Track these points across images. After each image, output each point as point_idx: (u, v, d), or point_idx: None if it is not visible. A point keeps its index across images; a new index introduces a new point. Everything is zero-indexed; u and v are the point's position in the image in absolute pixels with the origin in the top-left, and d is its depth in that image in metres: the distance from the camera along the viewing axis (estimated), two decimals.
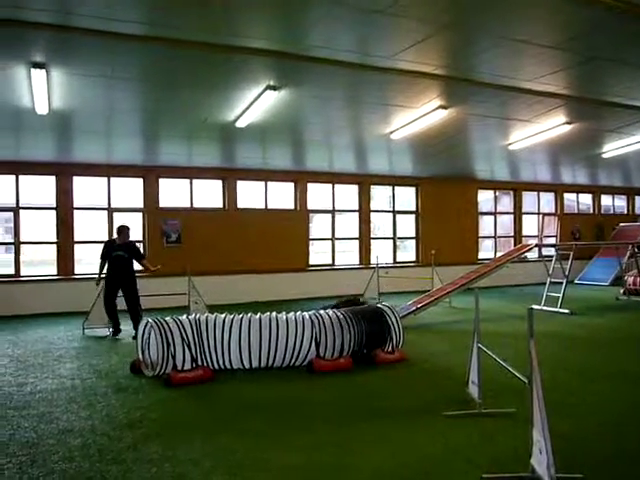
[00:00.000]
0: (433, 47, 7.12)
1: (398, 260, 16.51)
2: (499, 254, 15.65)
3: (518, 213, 18.59)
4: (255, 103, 8.79)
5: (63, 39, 6.58)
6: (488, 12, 6.15)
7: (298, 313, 7.29)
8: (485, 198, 18.31)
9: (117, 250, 9.46)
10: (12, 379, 6.66)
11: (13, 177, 12.34)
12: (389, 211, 16.61)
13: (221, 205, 14.16)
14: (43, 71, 7.17)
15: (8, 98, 8.27)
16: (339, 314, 7.29)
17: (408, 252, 16.95)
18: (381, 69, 7.76)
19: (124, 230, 9.63)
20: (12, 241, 12.60)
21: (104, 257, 9.54)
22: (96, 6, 5.90)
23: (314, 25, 6.58)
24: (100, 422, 5.07)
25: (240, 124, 9.81)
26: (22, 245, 12.57)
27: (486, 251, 18.08)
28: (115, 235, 9.77)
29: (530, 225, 18.79)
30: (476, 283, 10.94)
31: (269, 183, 14.66)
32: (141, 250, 9.71)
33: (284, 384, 6.38)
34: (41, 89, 7.70)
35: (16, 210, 12.41)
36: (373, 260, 15.09)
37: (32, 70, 7.14)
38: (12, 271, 12.48)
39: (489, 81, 8.37)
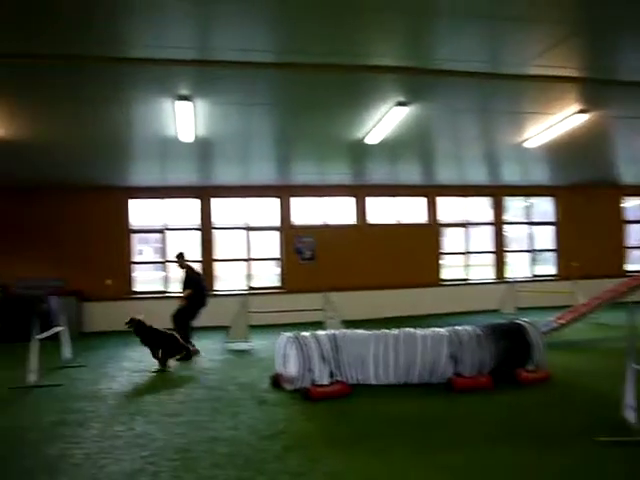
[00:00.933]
0: (570, 49, 6.78)
1: (536, 274, 15.76)
2: None
3: None
4: (384, 119, 8.86)
5: (206, 72, 7.07)
6: (629, 5, 5.75)
7: (435, 329, 7.18)
8: (633, 205, 16.97)
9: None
10: (164, 388, 7.18)
11: (160, 201, 13.38)
12: (525, 223, 15.94)
13: (353, 221, 14.35)
14: (188, 103, 7.72)
15: (156, 129, 8.99)
16: (478, 330, 7.09)
17: (547, 265, 16.12)
18: (514, 77, 7.50)
19: (177, 258, 9.96)
20: (160, 260, 13.61)
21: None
22: (233, 39, 6.28)
23: (443, 39, 6.54)
24: (244, 432, 5.30)
25: (370, 141, 9.92)
26: (169, 263, 13.53)
27: (636, 262, 16.69)
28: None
29: None
30: (627, 297, 10.14)
31: (400, 198, 14.66)
32: (192, 279, 9.79)
33: (422, 401, 6.29)
34: (186, 119, 8.29)
35: (164, 231, 13.42)
36: (509, 274, 14.53)
37: (178, 102, 7.72)
38: (161, 287, 13.47)
39: (636, 79, 7.80)
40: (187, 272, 9.86)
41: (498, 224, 15.44)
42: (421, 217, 14.93)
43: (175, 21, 5.86)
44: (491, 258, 15.51)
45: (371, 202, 14.48)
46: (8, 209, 12.47)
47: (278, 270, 14.08)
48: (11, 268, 12.20)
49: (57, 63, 6.55)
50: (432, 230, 14.81)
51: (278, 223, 13.95)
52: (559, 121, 9.39)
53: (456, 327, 7.26)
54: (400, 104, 8.31)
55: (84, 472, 4.39)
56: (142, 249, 16.96)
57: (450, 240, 15.49)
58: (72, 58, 6.44)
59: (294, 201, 14.00)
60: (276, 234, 13.99)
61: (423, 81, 7.71)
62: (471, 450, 4.68)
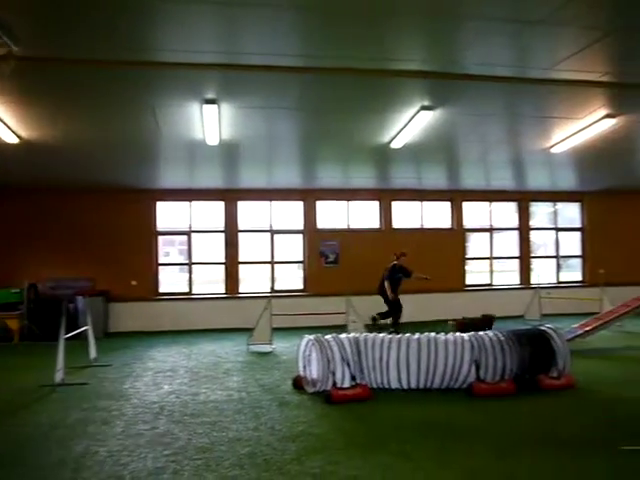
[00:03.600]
0: (598, 54, 6.72)
1: (562, 280, 15.57)
2: None
3: None
4: (410, 124, 8.86)
5: (231, 76, 7.17)
6: None
7: (457, 334, 7.16)
8: None
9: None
10: (188, 388, 7.26)
11: (187, 203, 13.55)
12: (551, 228, 15.77)
13: (377, 225, 14.36)
14: (214, 106, 7.83)
15: (184, 132, 9.12)
16: (501, 336, 7.04)
17: (573, 271, 15.92)
18: (540, 81, 7.47)
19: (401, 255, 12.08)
20: (186, 262, 13.77)
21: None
22: (260, 44, 6.36)
23: (469, 43, 6.53)
24: (265, 433, 5.34)
25: (395, 145, 9.93)
26: (194, 265, 13.68)
27: None
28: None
29: None
30: None
31: (425, 203, 14.63)
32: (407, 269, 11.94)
33: (443, 406, 6.27)
34: (212, 123, 8.40)
35: (189, 233, 13.58)
36: (534, 280, 14.39)
37: (205, 106, 7.83)
38: (186, 289, 13.62)
39: None
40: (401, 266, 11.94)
41: (524, 230, 15.30)
42: (446, 222, 14.87)
43: (202, 26, 5.97)
44: (516, 264, 15.38)
45: (396, 206, 14.47)
46: (39, 209, 12.70)
47: (301, 273, 14.15)
48: (41, 268, 12.45)
49: (86, 67, 6.72)
50: (457, 235, 14.73)
51: (302, 226, 14.02)
52: (586, 126, 9.31)
53: (479, 332, 7.24)
54: (425, 108, 8.31)
55: (107, 469, 4.47)
56: (168, 251, 17.19)
57: (475, 245, 15.40)
58: (101, 62, 6.59)
59: (319, 204, 14.04)
60: (300, 237, 14.06)
61: (449, 85, 7.70)
62: (491, 456, 4.66)
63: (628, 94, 8.11)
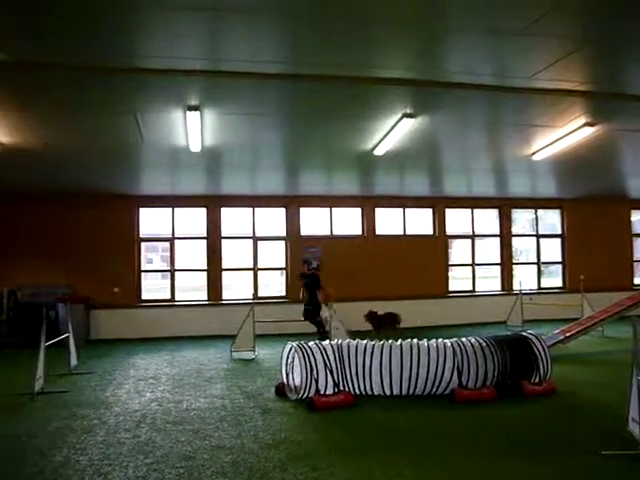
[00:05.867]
0: (575, 63, 6.81)
1: (543, 286, 15.71)
2: None
3: None
4: (392, 131, 8.91)
5: (215, 83, 7.16)
6: (630, 23, 5.80)
7: (440, 340, 7.19)
8: None
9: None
10: (170, 396, 7.21)
11: (169, 210, 13.49)
12: (532, 235, 15.93)
13: (360, 232, 14.40)
14: (197, 113, 7.81)
15: (166, 139, 9.08)
16: (482, 342, 7.09)
17: (554, 278, 16.09)
18: (520, 90, 7.55)
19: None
20: (168, 268, 13.70)
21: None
22: (244, 51, 6.36)
23: (449, 52, 6.62)
24: (248, 441, 5.33)
25: (378, 152, 9.97)
26: (176, 272, 13.61)
27: None
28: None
29: None
30: (633, 311, 10.10)
31: (407, 210, 14.71)
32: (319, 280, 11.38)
33: (425, 413, 6.30)
34: (195, 129, 8.38)
35: (172, 240, 13.52)
36: (516, 286, 14.52)
37: (188, 112, 7.81)
38: (168, 296, 13.55)
39: None
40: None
41: (505, 236, 15.45)
42: (428, 229, 14.96)
43: (186, 32, 5.93)
44: (498, 270, 15.51)
45: (379, 213, 14.53)
46: (19, 215, 12.56)
47: (284, 280, 14.13)
48: (22, 274, 12.31)
49: (69, 73, 6.66)
50: (439, 241, 14.83)
51: (285, 233, 14.02)
52: (566, 134, 9.41)
53: (461, 339, 7.28)
54: (407, 116, 8.36)
55: (87, 479, 4.42)
56: (151, 257, 17.09)
57: (457, 252, 15.51)
58: (84, 68, 6.54)
59: (302, 211, 14.07)
60: (282, 244, 14.06)
61: (430, 93, 7.76)
62: (473, 461, 4.69)
63: (605, 103, 8.24)
